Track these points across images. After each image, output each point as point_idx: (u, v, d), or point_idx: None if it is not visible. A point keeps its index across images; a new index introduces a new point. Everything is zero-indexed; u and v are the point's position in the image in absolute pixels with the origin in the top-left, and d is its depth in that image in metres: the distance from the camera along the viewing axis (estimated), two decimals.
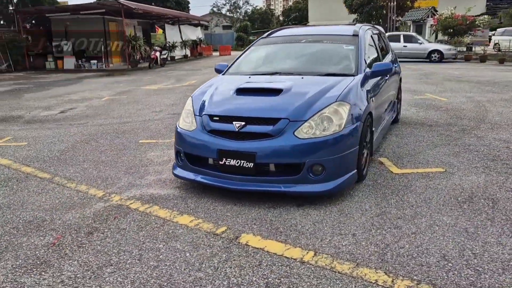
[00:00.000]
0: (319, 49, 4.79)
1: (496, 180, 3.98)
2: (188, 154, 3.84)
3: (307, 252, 2.75)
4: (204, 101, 3.96)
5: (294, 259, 2.68)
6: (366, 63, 4.48)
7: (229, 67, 4.93)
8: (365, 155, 4.00)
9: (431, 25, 27.19)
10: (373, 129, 4.28)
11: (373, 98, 4.29)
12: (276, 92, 3.81)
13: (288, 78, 4.20)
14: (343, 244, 2.85)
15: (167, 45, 27.59)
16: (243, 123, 3.53)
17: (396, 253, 2.71)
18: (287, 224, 3.17)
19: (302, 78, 4.17)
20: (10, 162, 5.01)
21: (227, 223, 3.22)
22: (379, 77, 4.67)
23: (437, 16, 26.36)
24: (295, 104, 3.59)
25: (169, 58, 25.80)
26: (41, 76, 17.91)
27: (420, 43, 21.46)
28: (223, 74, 4.83)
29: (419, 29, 29.33)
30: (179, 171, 3.93)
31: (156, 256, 2.76)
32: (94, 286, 2.45)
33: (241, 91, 3.98)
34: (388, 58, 6.04)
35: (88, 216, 3.40)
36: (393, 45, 21.02)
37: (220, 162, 3.58)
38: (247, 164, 3.47)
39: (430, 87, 11.08)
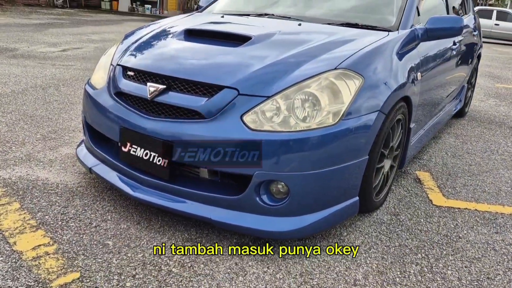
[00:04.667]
0: None
1: None
2: (90, 126, 2.38)
3: None
4: (132, 44, 2.45)
5: None
6: (419, 15, 2.69)
7: (212, 2, 3.32)
8: (385, 169, 2.33)
9: None
10: (411, 125, 2.55)
11: (422, 74, 2.54)
12: (240, 41, 2.19)
13: (276, 23, 2.54)
14: None
15: None
16: (161, 86, 1.98)
17: None
18: None
19: (299, 25, 2.49)
20: None
21: (90, 264, 1.76)
22: (439, 42, 2.86)
23: None
24: (257, 66, 1.96)
25: None
26: (87, 14, 17.08)
27: None
28: (200, 11, 3.25)
29: None
30: (80, 150, 2.49)
31: None
32: None
33: (190, 35, 2.40)
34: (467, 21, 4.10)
35: None
36: (481, 22, 18.20)
37: (124, 149, 2.09)
38: (159, 160, 1.95)
39: None
